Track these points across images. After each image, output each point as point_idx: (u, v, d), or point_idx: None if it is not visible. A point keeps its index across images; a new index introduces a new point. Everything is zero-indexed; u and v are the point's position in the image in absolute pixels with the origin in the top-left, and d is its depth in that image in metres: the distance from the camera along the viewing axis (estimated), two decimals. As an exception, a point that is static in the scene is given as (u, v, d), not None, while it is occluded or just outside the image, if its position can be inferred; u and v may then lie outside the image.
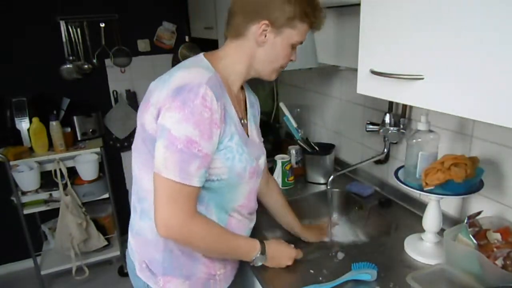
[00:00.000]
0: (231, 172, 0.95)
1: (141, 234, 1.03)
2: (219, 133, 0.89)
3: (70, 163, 2.32)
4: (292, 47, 1.00)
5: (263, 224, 1.18)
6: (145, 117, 0.92)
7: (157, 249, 1.00)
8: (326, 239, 1.40)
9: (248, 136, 1.04)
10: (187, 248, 0.98)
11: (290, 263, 1.09)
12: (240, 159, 0.95)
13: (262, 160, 1.09)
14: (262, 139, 1.16)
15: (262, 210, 1.13)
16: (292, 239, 1.51)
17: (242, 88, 1.08)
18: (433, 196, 1.05)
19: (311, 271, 1.07)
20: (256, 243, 1.04)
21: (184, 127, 0.83)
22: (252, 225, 1.13)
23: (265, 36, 0.95)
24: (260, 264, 1.05)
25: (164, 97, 0.87)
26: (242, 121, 1.02)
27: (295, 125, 1.70)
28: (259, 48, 0.97)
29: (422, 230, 1.13)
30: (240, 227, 1.07)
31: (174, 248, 0.99)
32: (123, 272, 2.65)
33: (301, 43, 1.01)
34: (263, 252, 1.04)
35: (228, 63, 0.99)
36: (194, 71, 0.91)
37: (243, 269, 1.19)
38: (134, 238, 1.06)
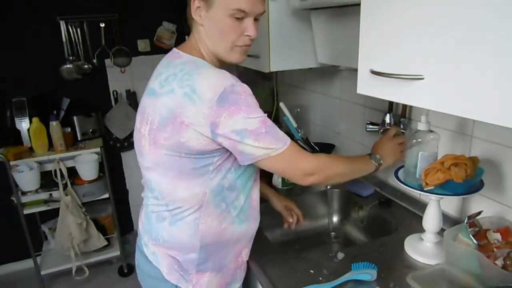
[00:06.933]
0: None
1: (171, 241, 1.02)
2: None
3: (70, 163, 2.32)
4: (237, 19, 0.91)
5: (263, 224, 1.18)
6: (184, 136, 0.89)
7: (194, 248, 1.01)
8: (289, 220, 1.34)
9: None
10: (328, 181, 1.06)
11: (401, 149, 1.20)
12: None
13: None
14: None
15: (262, 211, 1.14)
16: (296, 239, 1.51)
17: None
18: (433, 196, 1.05)
19: (311, 271, 1.07)
20: (366, 157, 1.15)
21: (252, 118, 0.89)
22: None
23: (200, 14, 0.93)
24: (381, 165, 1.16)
25: (209, 112, 0.85)
26: None
27: (295, 125, 1.70)
28: (202, 28, 0.96)
29: (422, 230, 1.13)
30: (257, 208, 1.11)
31: (209, 242, 1.01)
32: (123, 272, 2.65)
33: (244, 12, 0.90)
34: (375, 159, 1.15)
35: (202, 50, 0.99)
36: (211, 74, 0.90)
37: (243, 269, 1.19)
38: (158, 247, 1.05)
